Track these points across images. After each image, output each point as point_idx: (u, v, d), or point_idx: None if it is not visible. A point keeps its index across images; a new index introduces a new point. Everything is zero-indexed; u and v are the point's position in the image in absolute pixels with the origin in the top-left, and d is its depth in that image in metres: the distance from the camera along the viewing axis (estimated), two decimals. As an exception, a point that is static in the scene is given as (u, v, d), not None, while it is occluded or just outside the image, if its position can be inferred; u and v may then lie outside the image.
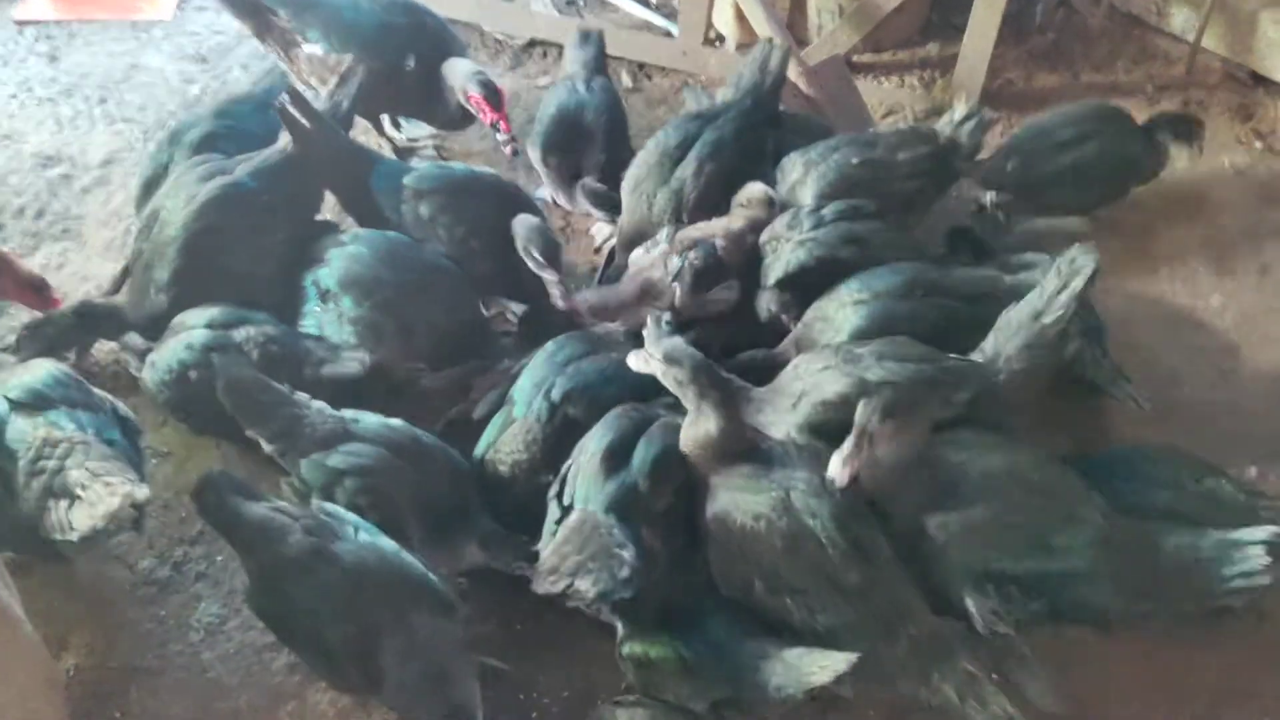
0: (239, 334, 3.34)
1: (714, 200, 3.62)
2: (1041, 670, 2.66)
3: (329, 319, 3.48)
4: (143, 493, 2.83)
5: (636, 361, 2.93)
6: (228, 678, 3.03)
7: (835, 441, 2.78)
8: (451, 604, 2.73)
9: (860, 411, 2.69)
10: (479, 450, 3.22)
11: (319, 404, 3.11)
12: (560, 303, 3.46)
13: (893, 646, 2.64)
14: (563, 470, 2.96)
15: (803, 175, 3.68)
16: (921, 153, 3.70)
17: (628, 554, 2.71)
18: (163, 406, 3.49)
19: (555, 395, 3.10)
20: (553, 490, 2.95)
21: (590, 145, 4.05)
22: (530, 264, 3.47)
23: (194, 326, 3.39)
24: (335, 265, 3.50)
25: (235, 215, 3.50)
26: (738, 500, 2.73)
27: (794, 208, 3.50)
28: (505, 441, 3.15)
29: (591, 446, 2.90)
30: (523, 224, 3.56)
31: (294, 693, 3.00)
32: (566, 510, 2.87)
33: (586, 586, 2.70)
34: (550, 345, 3.28)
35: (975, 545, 2.70)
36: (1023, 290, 3.21)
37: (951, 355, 3.04)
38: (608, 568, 2.71)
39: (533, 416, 3.11)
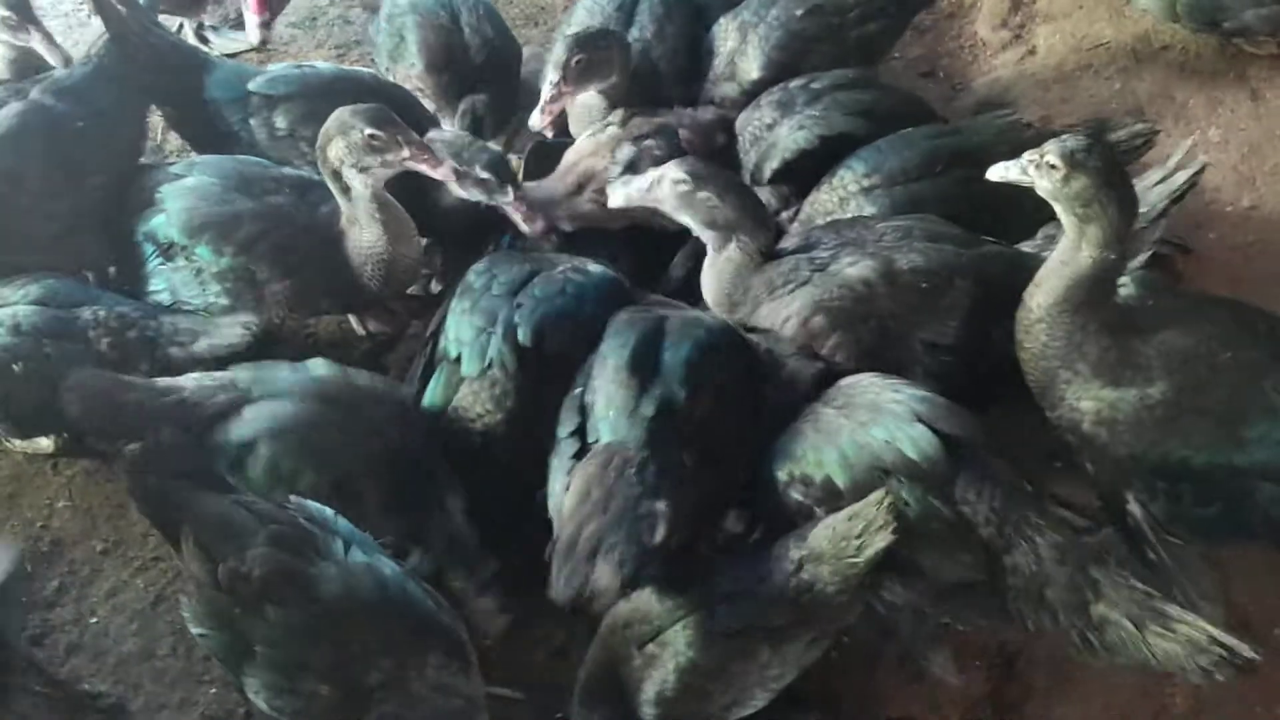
0: (85, 316, 2.51)
1: (681, 69, 2.99)
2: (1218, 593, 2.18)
3: (183, 278, 2.67)
4: None
5: None
6: (147, 779, 2.25)
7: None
8: (466, 650, 2.02)
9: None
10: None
11: (193, 376, 2.35)
12: (530, 227, 2.70)
13: (1026, 555, 2.09)
14: (574, 399, 2.29)
15: (740, 42, 3.10)
16: None
17: (661, 508, 2.09)
18: None
19: (524, 335, 2.39)
20: (566, 426, 2.27)
21: (473, 49, 3.18)
22: (471, 192, 2.68)
23: (13, 303, 2.53)
24: (174, 207, 2.68)
25: (40, 150, 2.61)
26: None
27: (780, 85, 2.90)
28: (465, 402, 2.44)
29: (611, 362, 2.26)
30: (446, 138, 2.78)
31: (243, 782, 2.25)
32: (584, 448, 2.21)
33: (607, 578, 2.02)
34: (473, 278, 2.53)
35: (1150, 430, 2.18)
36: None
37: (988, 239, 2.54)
38: (634, 536, 2.06)
39: (495, 368, 2.40)
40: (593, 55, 2.82)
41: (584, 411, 2.25)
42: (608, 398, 2.22)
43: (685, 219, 2.48)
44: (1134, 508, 2.24)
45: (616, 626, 2.14)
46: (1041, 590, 2.09)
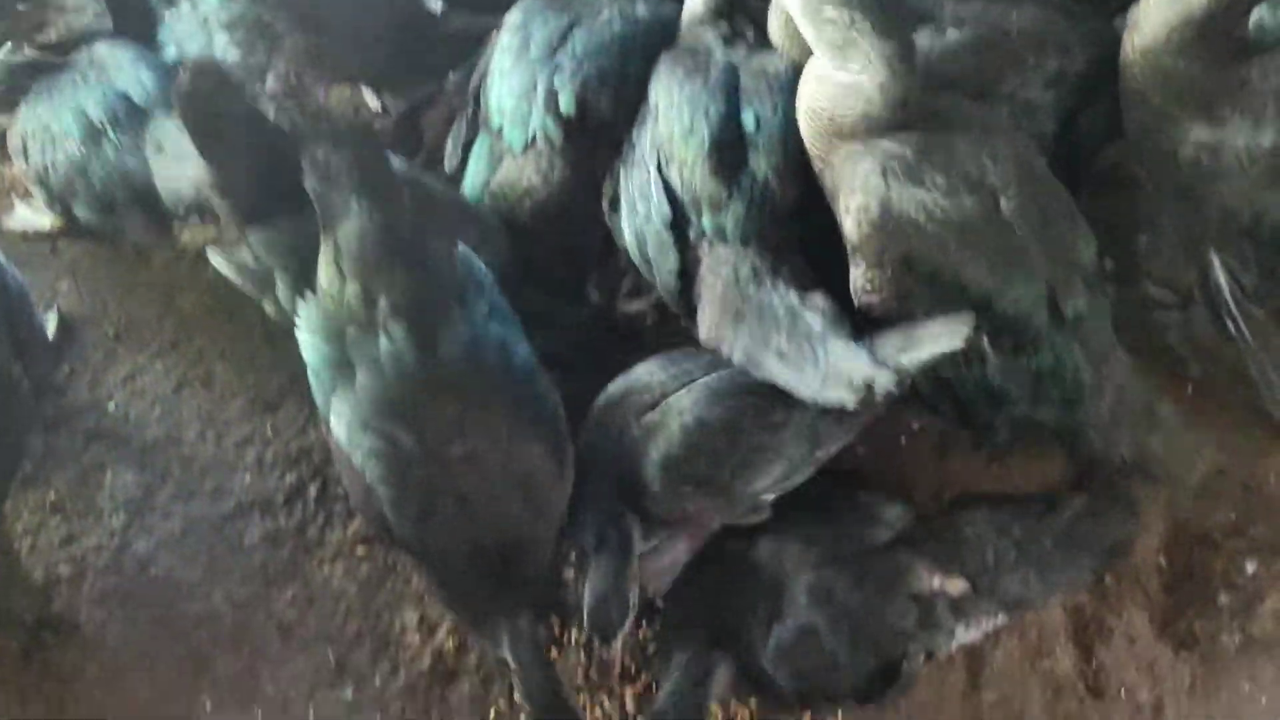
0: None
1: None
2: None
3: (188, 29, 2.37)
4: None
5: None
6: (183, 570, 2.13)
7: None
8: (565, 457, 1.84)
9: None
10: (470, 196, 2.26)
11: None
12: None
13: (1097, 400, 1.94)
14: (643, 172, 2.01)
15: None
16: None
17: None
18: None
19: (565, 103, 2.13)
20: (656, 215, 1.99)
21: None
22: None
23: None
24: None
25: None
26: (916, 196, 1.80)
27: None
28: (508, 180, 2.20)
29: (694, 147, 1.94)
30: None
31: (287, 571, 2.14)
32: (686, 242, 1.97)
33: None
34: (508, 37, 2.22)
35: (1251, 183, 1.96)
36: None
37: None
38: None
39: (540, 141, 2.16)
40: None
41: (670, 195, 1.97)
42: (694, 194, 1.95)
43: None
44: (1218, 272, 2.06)
45: (610, 403, 1.96)
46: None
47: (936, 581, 1.88)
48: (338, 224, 1.77)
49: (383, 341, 1.72)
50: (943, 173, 1.81)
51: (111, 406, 2.31)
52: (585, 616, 1.84)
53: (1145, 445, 1.98)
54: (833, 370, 1.80)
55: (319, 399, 1.81)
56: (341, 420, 1.75)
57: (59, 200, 2.34)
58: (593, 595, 1.83)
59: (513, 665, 1.78)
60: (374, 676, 2.06)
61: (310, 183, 1.81)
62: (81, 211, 2.38)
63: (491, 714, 2.04)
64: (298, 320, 1.83)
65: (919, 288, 1.83)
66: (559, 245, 2.23)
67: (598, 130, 2.15)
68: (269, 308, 2.06)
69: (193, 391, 2.34)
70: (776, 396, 1.87)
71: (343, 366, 1.75)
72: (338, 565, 2.13)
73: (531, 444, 1.77)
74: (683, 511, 1.93)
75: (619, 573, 1.85)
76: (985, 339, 1.87)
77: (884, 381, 1.74)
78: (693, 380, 1.92)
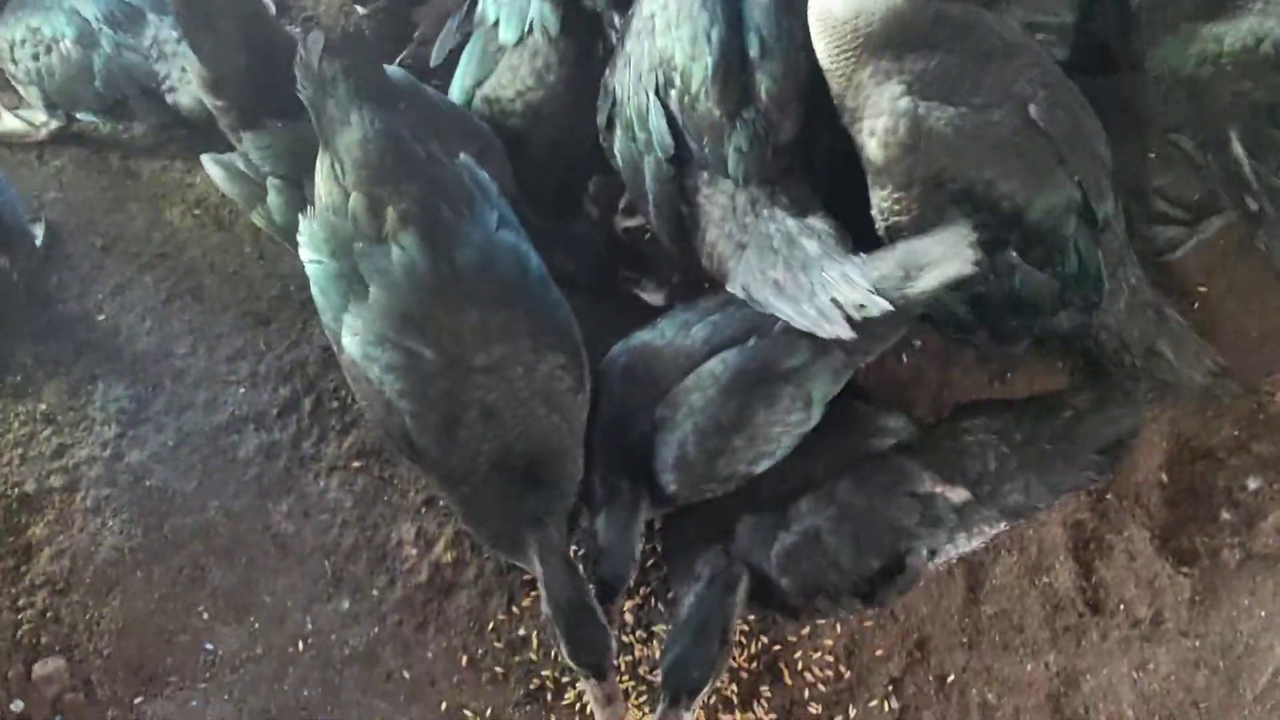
0: None
1: None
2: None
3: None
4: None
5: None
6: (178, 482, 2.10)
7: None
8: (583, 370, 1.80)
9: None
10: (456, 99, 2.21)
11: None
12: None
13: (1114, 303, 1.95)
14: (641, 96, 1.90)
15: None
16: None
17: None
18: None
19: None
20: (659, 147, 1.89)
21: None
22: None
23: None
24: None
25: None
26: (947, 114, 1.75)
27: None
28: (503, 80, 2.15)
29: (697, 74, 1.83)
30: None
31: (283, 484, 2.12)
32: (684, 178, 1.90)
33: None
34: None
35: (1259, 69, 1.93)
36: None
37: None
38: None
39: (537, 32, 2.10)
40: None
41: (671, 124, 1.87)
42: (695, 124, 1.85)
43: None
44: (1237, 148, 2.01)
45: (617, 373, 1.91)
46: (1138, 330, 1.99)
47: (938, 490, 1.87)
48: (336, 135, 1.72)
49: (394, 252, 1.67)
50: (974, 88, 1.77)
51: (101, 318, 2.27)
52: (593, 567, 1.82)
53: (1154, 347, 2.00)
54: (828, 304, 1.77)
55: (327, 317, 1.76)
56: (355, 336, 1.71)
57: (58, 105, 2.29)
58: (604, 544, 1.82)
59: (539, 572, 1.74)
60: (371, 589, 2.05)
61: (305, 93, 1.75)
62: (86, 114, 2.34)
63: (489, 627, 2.04)
64: (299, 238, 1.77)
65: (950, 206, 1.79)
66: (553, 153, 2.17)
67: (595, 23, 2.09)
68: (259, 219, 2.02)
69: (183, 304, 2.29)
70: (784, 378, 1.84)
71: (353, 282, 1.70)
72: (333, 478, 2.11)
73: (552, 353, 1.74)
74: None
75: (627, 526, 1.83)
76: (1014, 253, 1.85)
77: (878, 307, 1.72)
78: (694, 353, 1.87)
